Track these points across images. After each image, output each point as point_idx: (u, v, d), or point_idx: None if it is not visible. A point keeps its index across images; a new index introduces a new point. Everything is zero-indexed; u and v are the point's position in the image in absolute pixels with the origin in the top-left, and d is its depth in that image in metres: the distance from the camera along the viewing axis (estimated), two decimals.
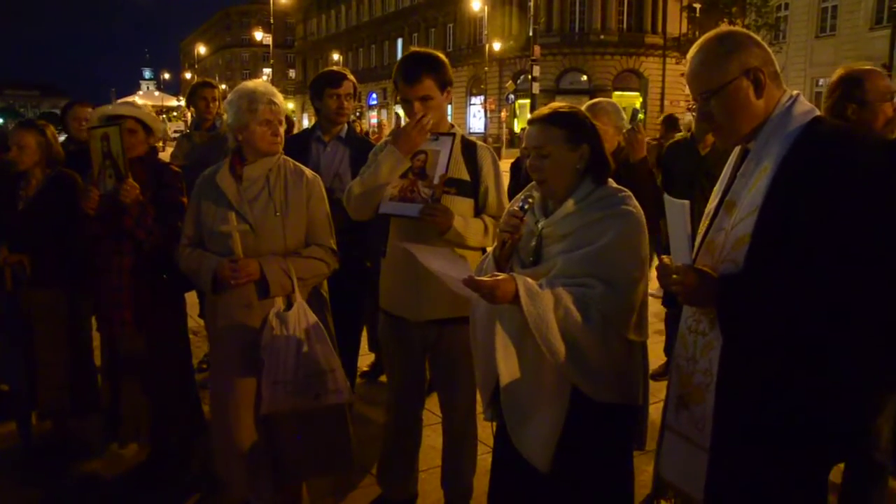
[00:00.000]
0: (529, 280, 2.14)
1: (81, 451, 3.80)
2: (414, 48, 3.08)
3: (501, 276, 2.15)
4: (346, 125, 4.03)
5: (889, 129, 2.83)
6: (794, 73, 30.63)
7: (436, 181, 2.81)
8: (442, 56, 2.95)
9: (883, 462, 2.84)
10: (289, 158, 3.07)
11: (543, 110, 2.35)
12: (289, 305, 2.90)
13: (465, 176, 2.94)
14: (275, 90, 2.94)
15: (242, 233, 2.86)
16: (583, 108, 2.79)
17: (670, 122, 8.60)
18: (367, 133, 18.25)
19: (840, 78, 2.87)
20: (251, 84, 2.95)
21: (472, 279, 2.10)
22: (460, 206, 2.89)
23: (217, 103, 5.23)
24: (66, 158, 3.87)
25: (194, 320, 5.14)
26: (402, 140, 2.82)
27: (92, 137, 3.33)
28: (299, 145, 3.86)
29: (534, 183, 2.37)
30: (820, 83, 30.63)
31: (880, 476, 2.87)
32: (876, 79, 2.82)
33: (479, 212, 2.97)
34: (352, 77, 4.05)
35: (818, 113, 1.86)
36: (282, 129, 2.94)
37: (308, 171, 3.06)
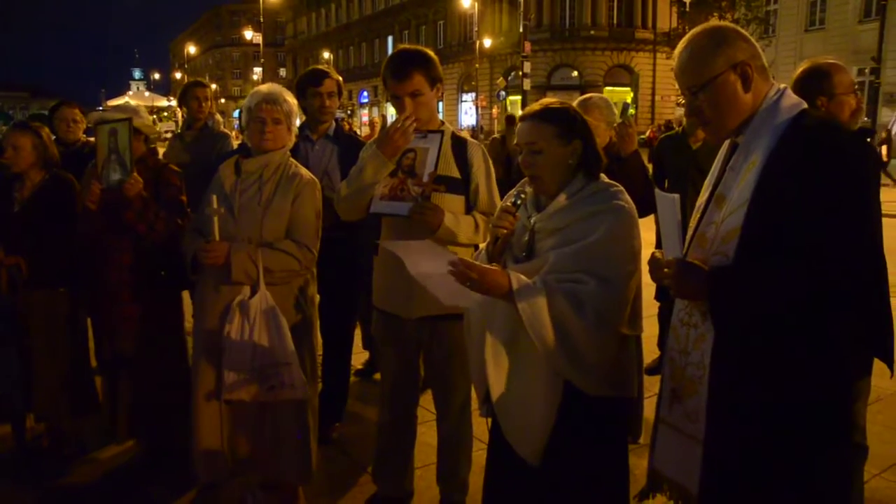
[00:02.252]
0: (522, 276, 2.15)
1: (77, 452, 3.79)
2: (404, 45, 3.08)
3: (494, 266, 2.16)
4: (333, 123, 4.03)
5: (853, 120, 2.94)
6: (784, 67, 30.68)
7: (425, 179, 2.81)
8: (431, 52, 2.96)
9: (861, 443, 2.88)
10: (295, 162, 3.15)
11: (535, 106, 2.35)
12: (253, 294, 2.97)
13: (456, 173, 2.94)
14: (280, 91, 3.07)
15: (223, 217, 2.95)
16: (574, 103, 2.80)
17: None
18: (354, 131, 18.10)
19: (807, 71, 2.93)
20: (262, 86, 3.13)
21: (462, 261, 2.10)
22: (451, 203, 2.89)
23: (209, 103, 5.21)
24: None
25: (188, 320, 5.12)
26: (385, 142, 2.82)
27: (99, 132, 3.36)
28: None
29: (526, 178, 2.37)
30: None
31: (858, 458, 2.90)
32: (842, 72, 2.91)
33: (469, 208, 2.97)
34: (335, 75, 4.04)
35: (805, 106, 1.88)
36: (278, 129, 3.04)
37: (306, 174, 3.13)
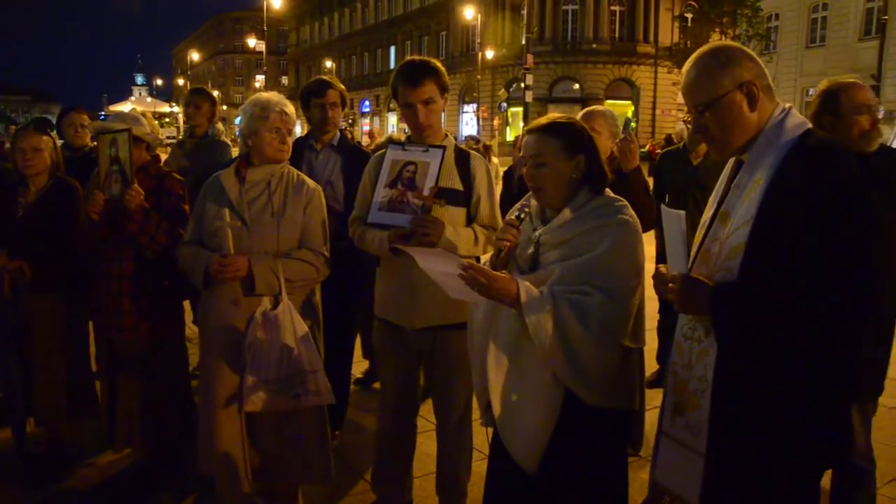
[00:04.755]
0: (531, 286, 2.17)
1: (76, 457, 3.79)
2: (409, 57, 3.12)
3: (503, 273, 2.19)
4: (337, 133, 4.05)
5: (865, 141, 2.88)
6: (785, 83, 30.88)
7: (426, 192, 2.83)
8: (439, 63, 3.01)
9: (862, 465, 2.92)
10: (293, 169, 3.13)
11: (541, 120, 2.39)
12: (275, 305, 2.95)
13: (458, 185, 2.96)
14: (287, 102, 3.04)
15: (236, 230, 2.93)
16: (578, 116, 2.83)
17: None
18: (359, 142, 18.02)
19: (821, 91, 2.96)
20: (265, 94, 3.07)
21: (472, 265, 2.14)
22: (452, 216, 2.91)
23: (202, 110, 5.18)
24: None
25: (188, 327, 5.13)
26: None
27: (101, 142, 3.35)
28: (292, 153, 3.88)
29: (530, 193, 2.40)
30: (810, 93, 30.87)
31: (861, 479, 2.93)
32: (852, 92, 2.88)
33: (470, 221, 2.99)
34: (339, 85, 4.05)
35: (809, 126, 1.90)
36: (291, 139, 3.03)
37: (310, 182, 3.13)
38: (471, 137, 13.24)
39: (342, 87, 4.11)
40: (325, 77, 4.16)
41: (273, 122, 2.96)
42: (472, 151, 3.10)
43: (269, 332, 2.90)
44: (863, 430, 2.90)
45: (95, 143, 3.84)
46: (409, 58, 3.08)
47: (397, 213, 2.86)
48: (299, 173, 3.14)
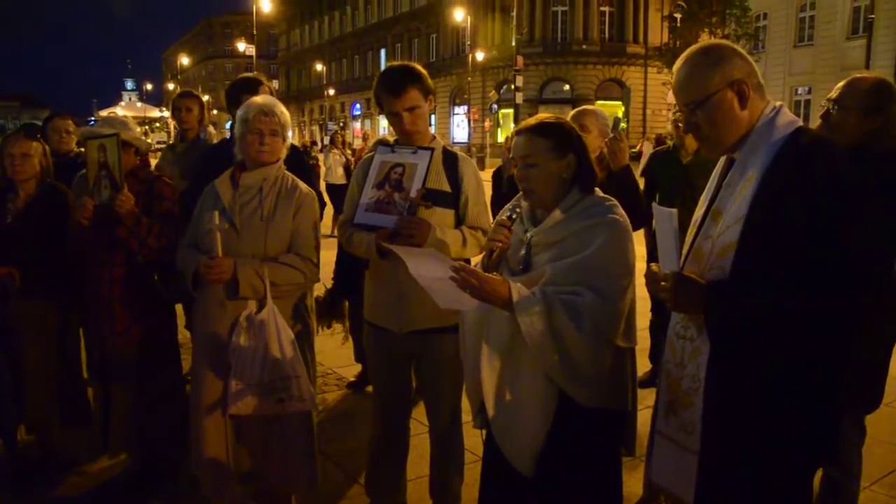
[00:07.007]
0: (522, 287, 2.17)
1: (68, 464, 3.76)
2: (393, 62, 3.10)
3: (494, 275, 2.18)
4: None
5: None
6: (773, 82, 31.00)
7: (412, 195, 2.82)
8: (420, 66, 3.00)
9: (836, 478, 2.91)
10: (289, 174, 3.12)
11: (530, 121, 2.39)
12: (260, 309, 2.94)
13: (446, 187, 2.95)
14: (275, 103, 3.03)
15: (225, 233, 2.92)
16: (568, 116, 2.82)
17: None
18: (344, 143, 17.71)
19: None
20: (256, 98, 3.09)
21: (464, 267, 2.13)
22: (441, 217, 2.90)
23: (194, 113, 5.16)
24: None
25: (180, 332, 5.11)
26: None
27: (89, 148, 3.34)
28: (223, 153, 3.74)
29: (521, 193, 2.40)
30: (798, 91, 31.04)
31: (839, 490, 2.93)
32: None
33: (459, 223, 2.98)
34: (267, 82, 4.05)
35: (801, 123, 1.91)
36: (276, 141, 3.01)
37: (304, 187, 3.11)
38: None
39: (272, 85, 4.09)
40: (251, 74, 4.15)
41: (253, 124, 2.96)
42: (461, 154, 3.10)
43: (252, 335, 2.91)
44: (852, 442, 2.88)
45: (82, 148, 3.82)
46: (389, 64, 3.05)
47: (383, 215, 2.85)
48: (294, 178, 3.13)
